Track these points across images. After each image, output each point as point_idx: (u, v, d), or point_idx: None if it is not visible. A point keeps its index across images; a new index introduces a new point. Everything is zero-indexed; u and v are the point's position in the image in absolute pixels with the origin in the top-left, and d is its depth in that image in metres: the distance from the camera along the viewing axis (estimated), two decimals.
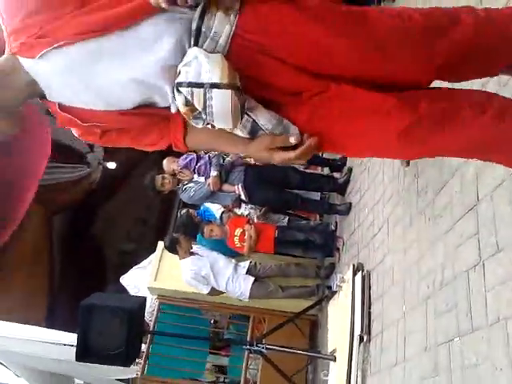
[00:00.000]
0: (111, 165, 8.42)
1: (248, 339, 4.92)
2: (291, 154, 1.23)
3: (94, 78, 1.16)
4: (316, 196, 5.01)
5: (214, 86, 1.12)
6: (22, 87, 1.18)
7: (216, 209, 5.52)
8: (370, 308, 3.20)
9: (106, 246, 8.70)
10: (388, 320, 2.82)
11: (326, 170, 5.43)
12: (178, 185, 4.94)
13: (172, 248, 4.82)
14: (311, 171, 5.48)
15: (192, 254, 4.87)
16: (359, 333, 3.15)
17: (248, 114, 1.19)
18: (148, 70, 1.16)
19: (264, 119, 1.20)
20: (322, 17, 1.18)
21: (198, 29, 1.15)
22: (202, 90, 1.13)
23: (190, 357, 5.39)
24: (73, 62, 1.14)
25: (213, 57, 1.13)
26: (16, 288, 6.57)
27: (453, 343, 1.94)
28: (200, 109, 1.15)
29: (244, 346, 4.14)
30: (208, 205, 5.65)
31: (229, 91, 1.12)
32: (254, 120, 1.20)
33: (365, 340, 3.11)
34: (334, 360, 3.52)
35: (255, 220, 5.07)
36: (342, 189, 4.64)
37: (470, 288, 1.90)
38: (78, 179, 7.66)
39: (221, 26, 1.15)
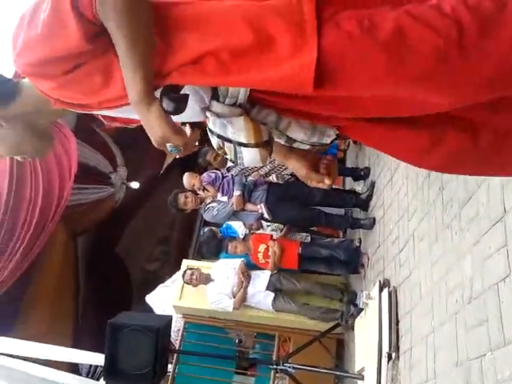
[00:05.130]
0: (135, 184, 8.50)
1: (274, 358, 4.88)
2: (327, 182, 1.28)
3: None
4: (339, 212, 4.99)
5: (241, 144, 1.14)
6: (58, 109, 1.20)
7: (238, 226, 5.55)
8: (397, 324, 3.16)
9: (131, 265, 8.74)
10: (417, 336, 2.77)
11: (349, 181, 5.43)
12: (200, 204, 4.97)
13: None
14: (334, 187, 5.48)
15: (209, 279, 4.95)
16: (387, 350, 3.10)
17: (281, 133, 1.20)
18: None
19: (298, 135, 1.20)
20: None
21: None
22: (231, 145, 1.15)
23: (216, 376, 5.36)
24: None
25: (235, 121, 1.12)
26: (42, 311, 6.62)
27: (485, 358, 1.90)
28: (232, 157, 1.18)
29: (270, 366, 4.12)
30: (230, 222, 5.69)
31: (257, 149, 1.14)
32: (288, 136, 1.20)
33: (393, 357, 3.06)
34: (362, 379, 3.47)
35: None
36: (365, 204, 4.62)
37: (500, 300, 1.87)
38: (102, 199, 7.75)
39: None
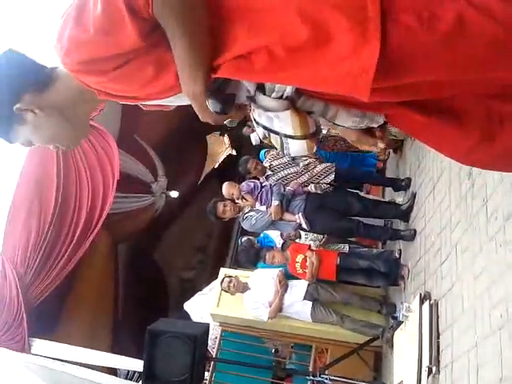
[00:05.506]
0: (174, 194, 8.62)
1: (311, 370, 4.84)
2: (380, 145, 1.22)
3: None
4: (379, 223, 4.93)
5: (288, 136, 1.14)
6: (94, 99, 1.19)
7: (275, 235, 5.56)
8: (438, 338, 3.08)
9: (168, 272, 8.85)
10: (458, 351, 2.70)
11: (389, 191, 5.36)
12: (238, 213, 5.00)
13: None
14: (374, 197, 5.41)
15: (246, 288, 4.96)
16: (427, 364, 3.03)
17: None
18: None
19: (346, 123, 1.16)
20: None
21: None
22: (277, 136, 1.16)
23: None
24: None
25: (282, 115, 1.10)
26: (84, 315, 6.76)
27: None
28: (278, 148, 1.20)
29: (307, 377, 4.09)
30: (267, 231, 5.70)
31: (304, 141, 1.15)
32: (335, 123, 1.18)
33: (434, 372, 2.99)
34: None
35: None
36: (405, 215, 4.54)
37: None
38: (143, 208, 7.89)
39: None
